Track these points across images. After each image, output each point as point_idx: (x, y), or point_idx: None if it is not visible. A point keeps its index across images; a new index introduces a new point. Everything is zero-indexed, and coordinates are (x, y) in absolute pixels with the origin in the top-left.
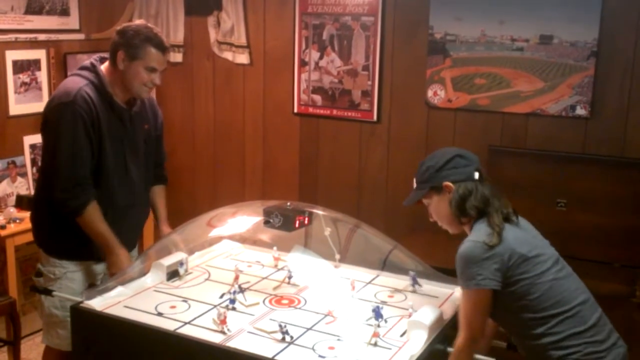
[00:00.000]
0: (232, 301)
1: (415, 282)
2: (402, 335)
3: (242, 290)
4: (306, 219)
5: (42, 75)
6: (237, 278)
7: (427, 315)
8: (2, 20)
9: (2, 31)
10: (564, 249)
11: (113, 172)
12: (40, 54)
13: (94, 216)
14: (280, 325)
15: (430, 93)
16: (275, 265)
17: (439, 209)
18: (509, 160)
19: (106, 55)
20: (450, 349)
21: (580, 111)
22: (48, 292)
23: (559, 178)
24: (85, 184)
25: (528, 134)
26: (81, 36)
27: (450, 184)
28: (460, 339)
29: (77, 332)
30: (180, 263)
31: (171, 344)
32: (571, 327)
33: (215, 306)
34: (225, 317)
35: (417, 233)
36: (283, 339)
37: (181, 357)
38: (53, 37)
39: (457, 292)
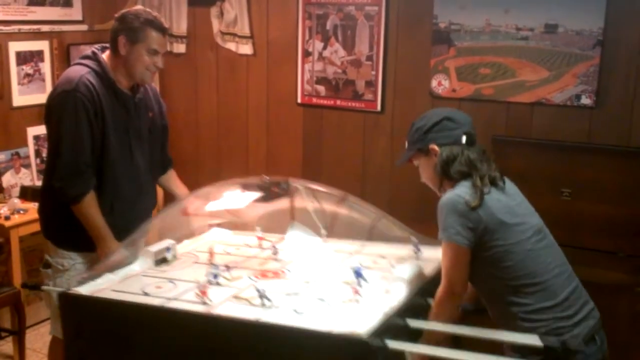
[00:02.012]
0: (215, 276)
1: (417, 249)
2: (382, 292)
3: (228, 269)
4: (282, 189)
5: (46, 67)
6: (212, 255)
7: (406, 270)
8: (5, 12)
9: (5, 22)
10: (569, 238)
11: (117, 159)
12: (43, 45)
13: (90, 206)
14: (258, 291)
15: (434, 83)
16: (260, 245)
17: (425, 170)
18: (514, 150)
19: (108, 44)
20: (430, 301)
21: (586, 100)
22: (37, 288)
23: (564, 168)
24: (85, 173)
25: (533, 124)
26: (84, 27)
27: (435, 147)
28: (440, 290)
29: (67, 320)
30: (168, 249)
31: (157, 318)
32: (541, 300)
33: (200, 283)
34: (205, 290)
35: (421, 223)
36: (262, 305)
37: (168, 330)
38: (56, 28)
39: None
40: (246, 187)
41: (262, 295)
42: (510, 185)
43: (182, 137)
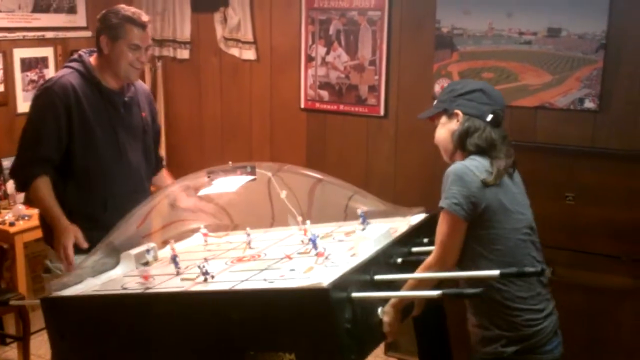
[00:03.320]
0: (174, 258)
1: (364, 221)
2: (351, 255)
3: (206, 259)
4: (248, 172)
5: (50, 73)
6: (173, 250)
7: (373, 230)
8: (10, 19)
9: (10, 29)
10: (572, 242)
11: (106, 156)
12: (47, 52)
13: (41, 190)
14: (199, 267)
15: (437, 87)
16: (205, 241)
17: (441, 132)
18: (517, 154)
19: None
20: (399, 260)
21: (589, 104)
22: (5, 304)
23: (568, 172)
24: (38, 164)
25: (536, 128)
26: (88, 33)
27: (460, 113)
28: (432, 256)
29: (50, 324)
30: (148, 250)
31: (133, 305)
32: (520, 290)
33: (178, 274)
34: (147, 273)
35: None
36: (205, 280)
37: (147, 314)
38: (60, 34)
39: (412, 219)
40: (212, 174)
41: (203, 272)
42: (517, 174)
43: (186, 143)
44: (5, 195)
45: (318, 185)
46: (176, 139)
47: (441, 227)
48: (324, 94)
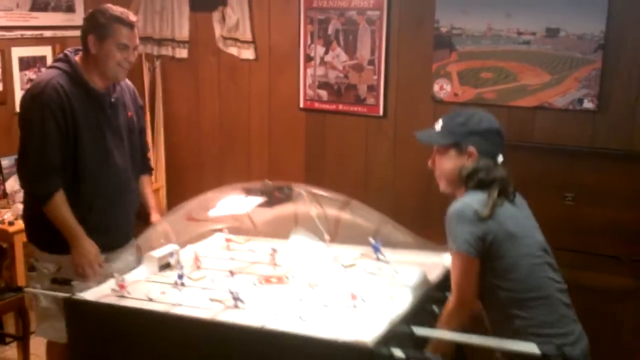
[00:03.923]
0: (180, 277)
1: (377, 251)
2: (386, 299)
3: (232, 274)
4: (285, 194)
5: None
6: (197, 259)
7: (411, 276)
8: (8, 17)
9: (8, 28)
10: (572, 243)
11: (93, 158)
12: (46, 51)
13: (59, 206)
14: (231, 292)
15: (436, 87)
16: (227, 247)
17: (448, 164)
18: (516, 155)
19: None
20: (435, 307)
21: (588, 104)
22: (67, 282)
23: (567, 172)
24: (51, 173)
25: (535, 128)
26: None
27: (475, 151)
28: (450, 301)
29: (71, 325)
30: (171, 254)
31: (161, 324)
32: (544, 314)
33: (205, 289)
34: (124, 282)
35: (424, 228)
36: (236, 305)
37: (172, 336)
38: (59, 33)
39: (445, 258)
40: (249, 191)
41: (235, 298)
42: (519, 199)
43: (184, 142)
44: (5, 195)
45: (348, 208)
46: (174, 138)
47: (454, 270)
48: (323, 93)
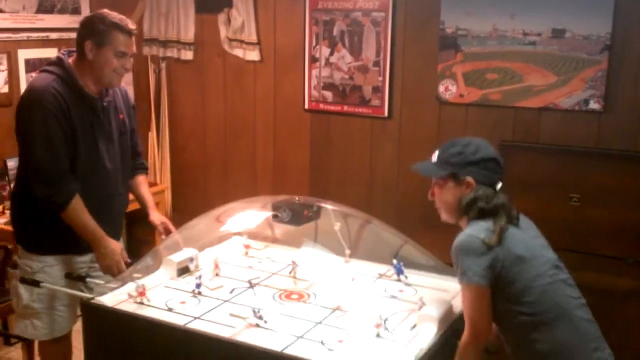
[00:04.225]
0: (198, 286)
1: (400, 273)
2: (412, 329)
3: (252, 286)
4: (314, 213)
5: None
6: (217, 267)
7: (436, 308)
8: (14, 20)
9: (15, 30)
10: (577, 244)
11: (87, 163)
12: (52, 53)
13: (79, 210)
14: (254, 311)
15: (442, 88)
16: (246, 253)
17: (447, 195)
18: (522, 156)
19: (74, 49)
20: (459, 342)
21: (594, 105)
22: (36, 284)
23: (573, 173)
24: (66, 178)
25: (541, 129)
26: None
27: (473, 181)
28: (464, 335)
29: (89, 329)
30: (191, 259)
31: (181, 339)
32: (565, 333)
33: (225, 301)
34: (144, 290)
35: (430, 229)
36: (257, 325)
37: (191, 352)
38: (65, 35)
39: None
40: (277, 208)
41: (257, 317)
42: (524, 220)
43: (189, 143)
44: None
45: (370, 226)
46: (180, 139)
47: (466, 303)
48: (328, 95)
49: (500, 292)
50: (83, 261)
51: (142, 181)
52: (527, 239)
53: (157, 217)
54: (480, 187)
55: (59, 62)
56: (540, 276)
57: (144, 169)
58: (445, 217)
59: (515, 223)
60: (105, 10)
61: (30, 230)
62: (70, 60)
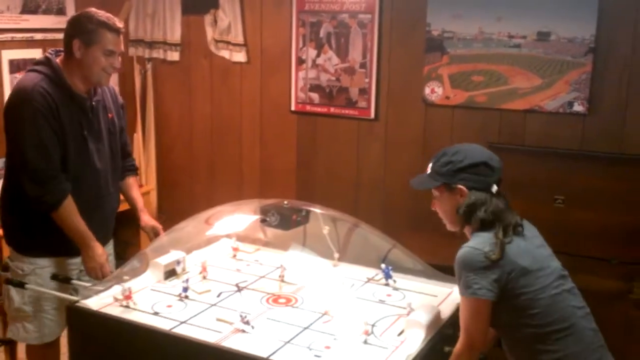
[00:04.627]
0: (185, 289)
1: (388, 276)
2: (399, 335)
3: (239, 289)
4: (303, 217)
5: None
6: (204, 269)
7: (424, 314)
8: None
9: None
10: (562, 245)
11: (76, 163)
12: (36, 53)
13: (69, 211)
14: (241, 316)
15: (427, 90)
16: (234, 256)
17: (445, 206)
18: (507, 157)
19: (62, 49)
20: (448, 349)
21: (578, 108)
22: (21, 285)
23: (557, 175)
24: (57, 178)
25: (526, 131)
26: None
27: (464, 188)
28: (459, 344)
29: (73, 331)
30: (178, 262)
31: (167, 343)
32: (570, 345)
33: (211, 305)
34: (130, 293)
35: (415, 231)
36: (243, 330)
37: (176, 357)
38: (49, 36)
39: (455, 291)
40: (266, 211)
41: (244, 322)
42: (528, 228)
43: (175, 145)
44: None
45: (358, 230)
46: (166, 141)
47: (464, 312)
48: (315, 96)
49: (506, 304)
50: (74, 263)
51: (132, 183)
52: (532, 248)
53: (147, 220)
54: (472, 193)
55: (46, 61)
56: (546, 288)
57: (134, 170)
58: (449, 227)
59: (519, 232)
60: (93, 9)
61: (20, 232)
62: (58, 60)
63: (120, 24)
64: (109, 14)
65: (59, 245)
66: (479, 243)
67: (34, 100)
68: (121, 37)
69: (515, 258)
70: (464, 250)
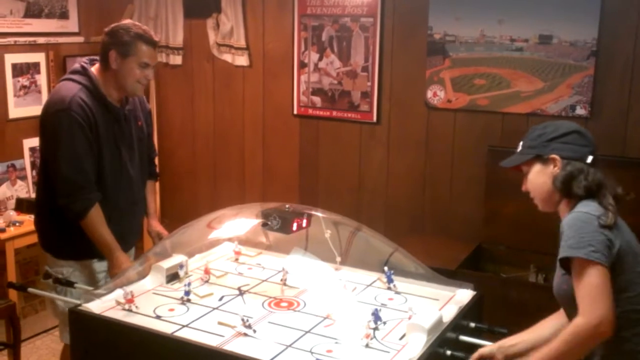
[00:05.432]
0: (187, 293)
1: (390, 280)
2: (401, 338)
3: (241, 293)
4: (304, 221)
5: (42, 79)
6: (207, 272)
7: (426, 317)
8: (1, 24)
9: (1, 34)
10: None
11: (111, 171)
12: (39, 57)
13: (96, 220)
14: (243, 319)
15: (429, 94)
16: (236, 260)
17: (537, 180)
18: None
19: (96, 57)
20: (449, 352)
21: (580, 111)
22: (70, 284)
23: None
24: (86, 188)
25: None
26: (80, 39)
27: (558, 158)
28: (580, 324)
29: (76, 335)
30: (180, 265)
31: (168, 347)
32: None
33: (214, 309)
34: (132, 296)
35: (417, 234)
36: (245, 334)
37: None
38: (52, 40)
39: (457, 293)
40: (267, 215)
41: (246, 325)
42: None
43: (178, 148)
44: None
45: (360, 234)
46: (168, 144)
47: (586, 285)
48: (317, 100)
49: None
50: (102, 267)
51: (150, 188)
52: (629, 230)
53: (155, 225)
54: (567, 162)
55: (83, 70)
56: None
57: (155, 176)
58: (542, 205)
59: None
60: (130, 21)
61: (56, 237)
62: (93, 69)
63: (156, 38)
64: (145, 27)
65: (93, 248)
66: (588, 208)
67: (72, 111)
68: (156, 49)
69: (624, 232)
70: (575, 214)
